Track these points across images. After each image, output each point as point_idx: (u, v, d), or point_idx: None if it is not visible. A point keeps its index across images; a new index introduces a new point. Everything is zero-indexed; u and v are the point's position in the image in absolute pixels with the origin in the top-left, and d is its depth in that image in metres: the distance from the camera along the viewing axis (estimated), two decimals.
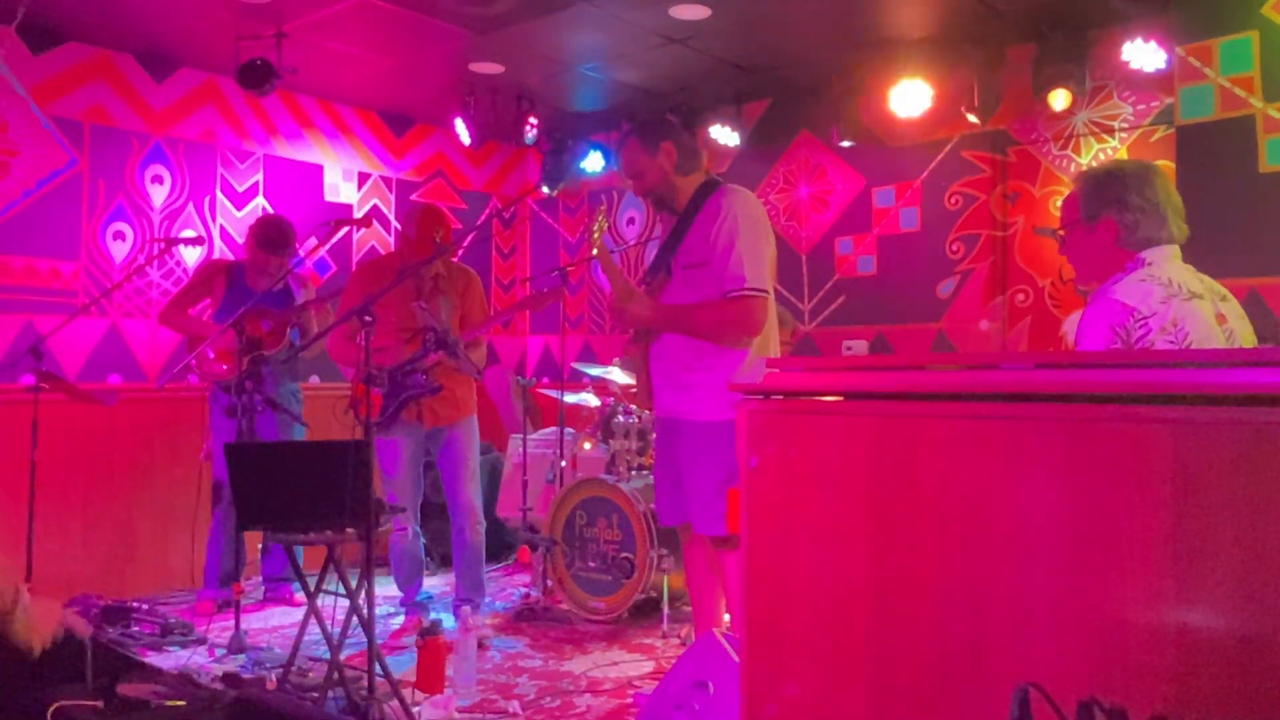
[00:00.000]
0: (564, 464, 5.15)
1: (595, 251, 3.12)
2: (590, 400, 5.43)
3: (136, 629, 4.07)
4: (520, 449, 5.31)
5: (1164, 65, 4.26)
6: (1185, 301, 2.07)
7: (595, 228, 3.15)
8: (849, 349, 5.64)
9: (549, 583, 4.72)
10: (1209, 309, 2.10)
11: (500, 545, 5.84)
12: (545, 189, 6.79)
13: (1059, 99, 4.72)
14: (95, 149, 5.12)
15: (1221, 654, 1.11)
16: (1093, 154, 4.85)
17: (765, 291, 2.94)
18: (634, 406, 4.87)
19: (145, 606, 4.22)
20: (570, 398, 5.34)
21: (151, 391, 5.07)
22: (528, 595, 4.90)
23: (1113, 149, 4.79)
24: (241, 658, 3.82)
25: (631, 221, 6.76)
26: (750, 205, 3.02)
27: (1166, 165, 3.74)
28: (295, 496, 3.14)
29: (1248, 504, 1.10)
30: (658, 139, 3.11)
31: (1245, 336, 2.18)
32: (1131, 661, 1.16)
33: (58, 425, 4.54)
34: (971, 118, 5.01)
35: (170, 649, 3.98)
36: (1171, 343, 2.02)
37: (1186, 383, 1.19)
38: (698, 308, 2.99)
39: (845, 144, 5.55)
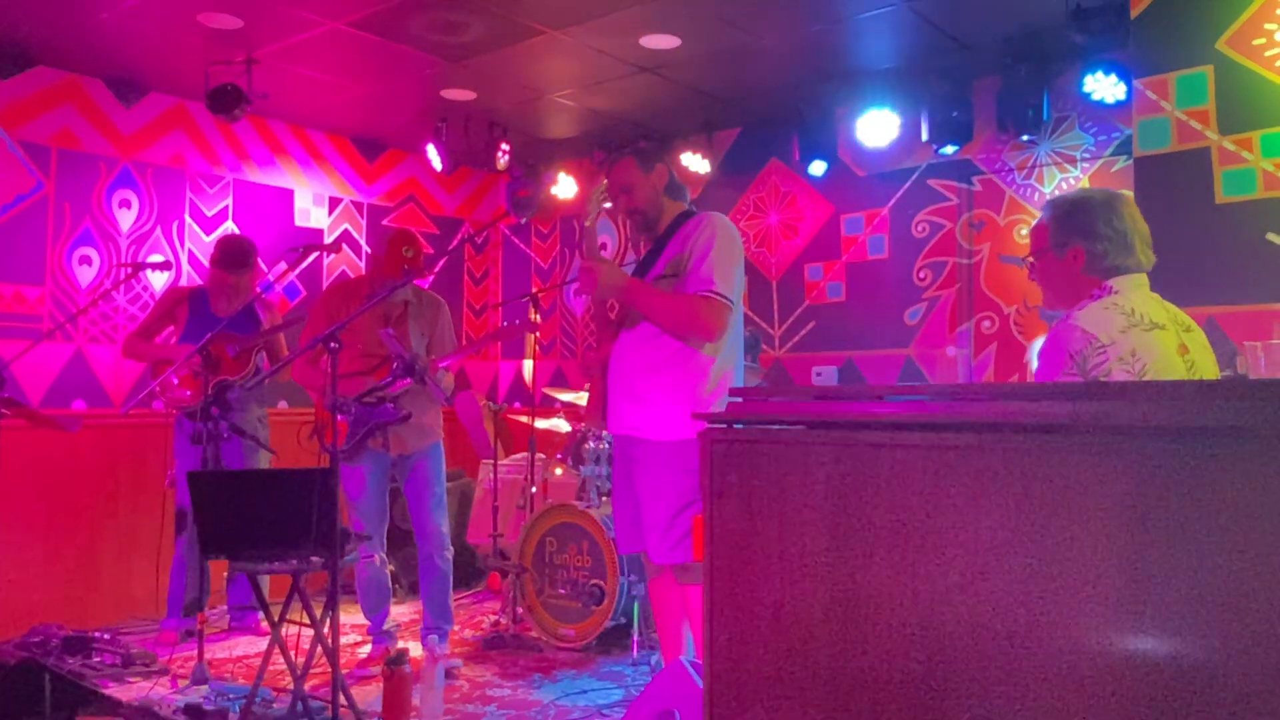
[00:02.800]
0: (534, 489, 5.14)
1: (588, 222, 3.13)
2: (561, 425, 5.42)
3: (98, 659, 4.00)
4: (491, 474, 5.29)
5: (1124, 97, 4.35)
6: (1146, 332, 2.10)
7: (595, 196, 3.17)
8: (819, 375, 5.67)
9: (519, 610, 4.69)
10: (1171, 340, 2.13)
11: (471, 571, 5.81)
12: (517, 215, 6.82)
13: (1022, 130, 4.81)
14: (62, 173, 5.09)
15: (1174, 681, 1.12)
16: (1055, 183, 4.94)
17: (730, 301, 2.94)
18: (604, 432, 4.86)
19: (107, 636, 4.14)
20: (541, 423, 5.33)
21: (116, 417, 5.02)
22: (497, 622, 4.87)
23: (1075, 179, 4.88)
24: (204, 688, 3.76)
25: (603, 247, 6.79)
26: (729, 228, 3.05)
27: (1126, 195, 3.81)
28: (259, 525, 3.11)
29: (1199, 533, 1.12)
30: (653, 160, 3.18)
31: (1207, 368, 2.20)
32: (1085, 689, 1.18)
33: (19, 451, 4.47)
34: (937, 147, 5.09)
35: (132, 680, 3.92)
36: (1128, 372, 2.05)
37: (1137, 415, 1.21)
38: (664, 293, 2.98)
39: (814, 172, 5.61)
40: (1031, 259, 2.37)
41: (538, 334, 6.87)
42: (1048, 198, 4.86)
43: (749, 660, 1.54)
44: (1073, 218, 2.27)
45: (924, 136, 5.11)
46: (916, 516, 1.34)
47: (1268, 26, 3.28)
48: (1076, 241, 2.24)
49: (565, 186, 6.59)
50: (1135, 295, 2.18)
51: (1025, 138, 4.87)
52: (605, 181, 3.22)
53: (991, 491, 1.27)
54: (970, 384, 4.81)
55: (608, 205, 3.23)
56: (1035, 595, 1.22)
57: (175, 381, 4.40)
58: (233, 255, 4.56)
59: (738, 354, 3.11)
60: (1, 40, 4.69)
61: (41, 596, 4.76)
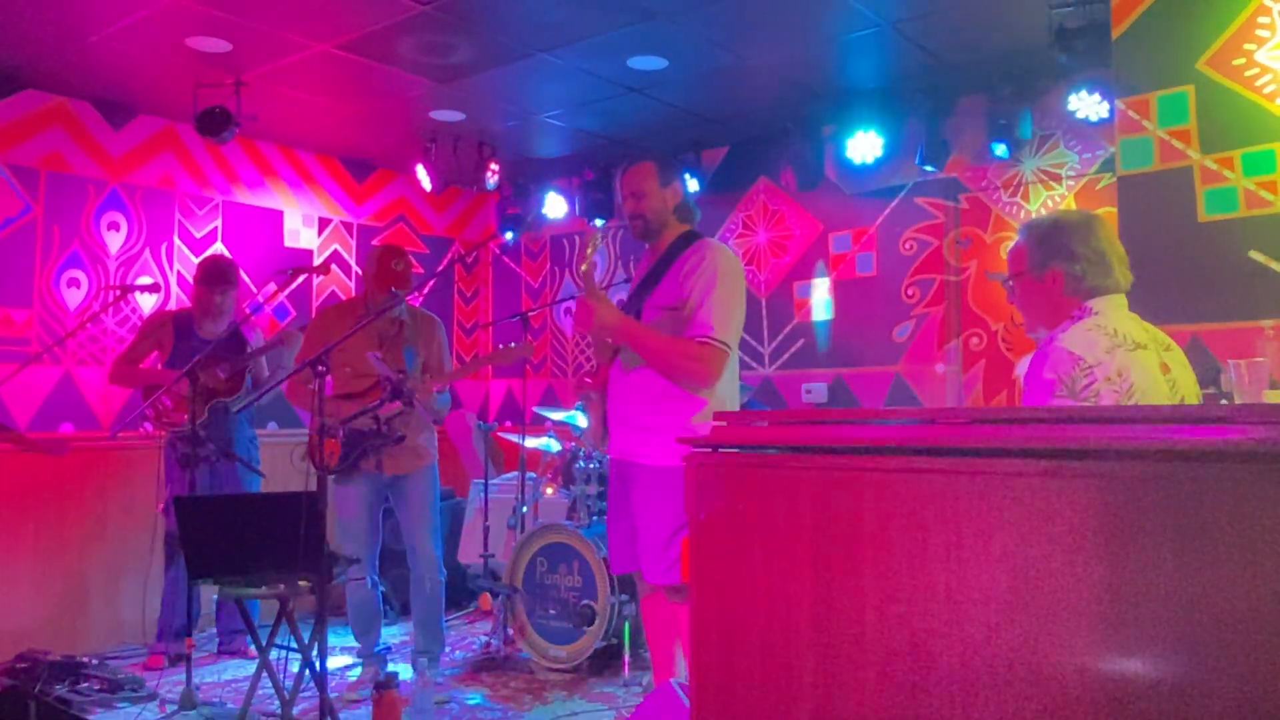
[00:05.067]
0: (525, 509, 5.13)
1: (584, 268, 3.15)
2: (552, 445, 5.42)
3: (85, 685, 3.97)
4: (482, 494, 5.27)
5: (1108, 115, 4.39)
6: (1130, 352, 2.11)
7: (591, 243, 3.19)
8: (808, 392, 5.69)
9: (509, 631, 4.67)
10: (1153, 359, 2.15)
11: (462, 592, 5.79)
12: (507, 234, 6.84)
13: (1007, 148, 4.85)
14: (51, 196, 5.09)
15: (1154, 706, 1.13)
16: (1041, 201, 4.98)
17: (729, 347, 2.95)
18: (595, 451, 4.86)
19: (95, 661, 4.12)
20: (532, 442, 5.33)
21: (104, 440, 5.00)
22: (488, 644, 4.85)
23: (1060, 196, 4.91)
24: (192, 714, 3.74)
25: (593, 266, 6.80)
26: (732, 262, 3.04)
27: (1111, 213, 3.84)
28: (247, 549, 3.11)
29: (1176, 557, 1.13)
30: (672, 176, 3.17)
31: (1188, 386, 2.22)
32: (1064, 711, 1.18)
33: (7, 475, 4.46)
34: (924, 166, 5.12)
35: (120, 705, 3.89)
36: (1115, 392, 2.06)
37: (1113, 438, 1.22)
38: (661, 337, 2.98)
39: (802, 190, 5.64)
40: (1011, 281, 2.39)
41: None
42: (1031, 216, 4.91)
43: (735, 683, 1.54)
44: (1050, 240, 2.29)
45: (910, 155, 5.15)
46: (898, 539, 1.34)
47: (1247, 47, 3.31)
48: (1055, 263, 2.26)
49: (555, 206, 6.61)
50: (1115, 315, 2.20)
51: (1010, 155, 4.90)
52: (599, 231, 3.23)
53: (974, 516, 1.28)
54: (951, 408, 4.84)
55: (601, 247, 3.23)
56: (1018, 619, 1.23)
57: (169, 405, 4.38)
58: (215, 273, 4.58)
59: (735, 385, 3.13)
60: None
61: (28, 621, 4.73)
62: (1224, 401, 3.04)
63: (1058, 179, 4.93)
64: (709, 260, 3.00)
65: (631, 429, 3.06)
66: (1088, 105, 4.52)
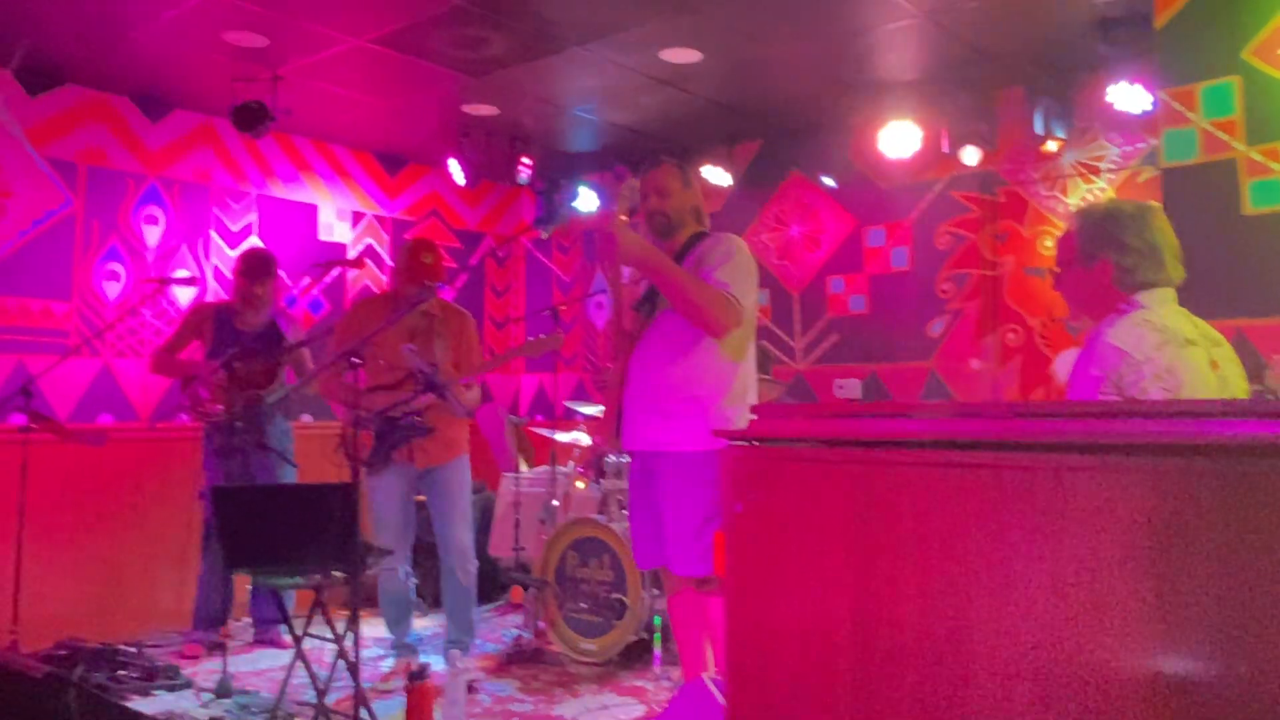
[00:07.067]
0: (556, 503, 5.13)
1: (621, 217, 3.11)
2: (583, 439, 5.42)
3: (123, 673, 4.02)
4: (513, 488, 5.29)
5: (1150, 107, 4.31)
6: (1179, 348, 2.05)
7: (623, 197, 3.17)
8: (841, 388, 5.64)
9: (540, 624, 4.68)
10: (1202, 356, 2.09)
11: (493, 585, 5.81)
12: (539, 229, 6.84)
13: (1046, 140, 4.78)
14: (90, 190, 5.15)
15: (1200, 702, 1.11)
16: (1080, 194, 4.90)
17: (743, 306, 2.94)
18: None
19: (133, 649, 4.17)
20: (563, 436, 5.33)
21: (142, 431, 5.06)
22: (519, 637, 4.86)
23: (1100, 189, 4.84)
24: (228, 702, 3.78)
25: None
26: (744, 248, 3.07)
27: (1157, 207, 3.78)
28: (282, 539, 3.13)
29: (1223, 553, 1.10)
30: (692, 178, 3.23)
31: (1237, 383, 2.16)
32: (1111, 709, 1.16)
33: (47, 465, 4.52)
34: (960, 159, 5.06)
35: (157, 693, 3.94)
36: (1165, 390, 2.00)
37: (1161, 433, 1.19)
38: (684, 272, 2.96)
39: (836, 184, 5.59)
40: (1058, 269, 2.32)
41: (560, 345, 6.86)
42: (1073, 209, 4.83)
43: (771, 679, 1.52)
44: (1102, 229, 2.22)
45: (946, 148, 5.08)
46: (938, 535, 1.32)
47: None
48: (1105, 254, 2.19)
49: (587, 200, 6.59)
50: (1164, 310, 2.14)
51: (1049, 148, 4.83)
52: (635, 181, 3.22)
53: (1014, 511, 1.25)
54: (992, 402, 4.78)
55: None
56: (1060, 615, 1.20)
57: (206, 396, 4.43)
58: (255, 264, 4.64)
59: (754, 370, 3.12)
60: (31, 59, 4.76)
61: (68, 609, 4.79)
62: (1269, 398, 2.98)
63: (1097, 172, 4.86)
64: (725, 240, 3.06)
65: (654, 415, 3.03)
66: (1128, 97, 4.44)
